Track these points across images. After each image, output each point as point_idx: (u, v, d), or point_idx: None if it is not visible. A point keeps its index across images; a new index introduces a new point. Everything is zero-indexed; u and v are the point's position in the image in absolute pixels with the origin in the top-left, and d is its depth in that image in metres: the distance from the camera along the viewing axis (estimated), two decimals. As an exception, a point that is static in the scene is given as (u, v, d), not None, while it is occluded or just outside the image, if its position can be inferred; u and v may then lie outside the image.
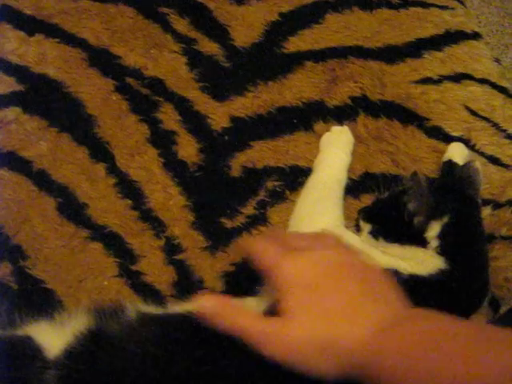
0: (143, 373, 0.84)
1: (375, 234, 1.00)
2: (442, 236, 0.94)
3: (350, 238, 0.98)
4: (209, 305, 0.76)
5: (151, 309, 0.93)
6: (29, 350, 0.87)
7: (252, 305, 0.92)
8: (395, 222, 0.98)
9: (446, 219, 0.95)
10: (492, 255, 1.08)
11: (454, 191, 1.02)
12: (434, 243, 0.94)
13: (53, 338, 0.90)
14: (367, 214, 1.05)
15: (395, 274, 0.89)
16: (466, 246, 0.96)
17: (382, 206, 1.06)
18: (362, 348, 0.67)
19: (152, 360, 0.84)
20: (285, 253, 0.74)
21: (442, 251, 0.93)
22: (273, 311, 0.85)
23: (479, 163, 1.08)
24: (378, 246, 0.98)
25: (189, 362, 0.84)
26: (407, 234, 0.96)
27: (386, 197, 1.07)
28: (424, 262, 0.92)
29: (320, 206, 1.06)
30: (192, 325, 0.88)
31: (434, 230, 0.94)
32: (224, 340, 0.85)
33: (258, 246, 0.78)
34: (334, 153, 1.15)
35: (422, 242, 0.94)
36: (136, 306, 0.93)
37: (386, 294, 0.74)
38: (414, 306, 0.79)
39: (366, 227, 1.02)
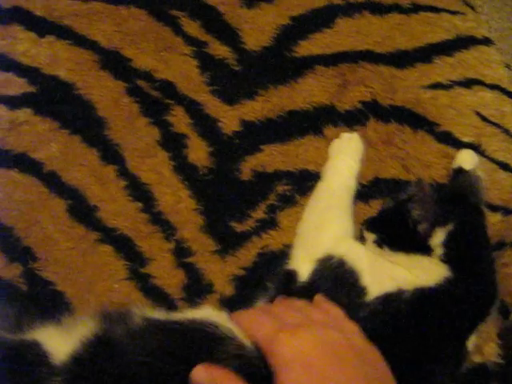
0: (149, 382, 0.84)
1: (380, 242, 0.99)
2: (446, 243, 0.93)
3: (357, 249, 0.98)
4: (200, 377, 0.72)
5: (158, 315, 0.93)
6: (35, 356, 0.87)
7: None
8: (400, 230, 0.97)
9: (450, 226, 0.94)
10: (502, 262, 1.08)
11: (458, 199, 1.02)
12: (439, 251, 0.93)
13: (60, 343, 0.90)
14: (371, 224, 1.05)
15: (399, 294, 0.88)
16: (470, 253, 0.96)
17: (387, 214, 1.05)
18: None
19: (158, 369, 0.84)
20: (281, 328, 0.70)
21: (447, 259, 0.93)
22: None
23: (481, 171, 1.07)
24: (383, 255, 0.97)
25: (183, 370, 0.84)
26: (412, 242, 0.95)
27: (391, 205, 1.06)
28: (429, 270, 0.92)
29: (328, 214, 1.06)
30: (199, 334, 0.88)
31: (438, 238, 0.94)
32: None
33: (252, 321, 0.75)
34: (343, 160, 1.15)
35: (427, 250, 0.94)
36: (143, 312, 0.93)
37: (385, 377, 0.71)
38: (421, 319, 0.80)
39: (371, 237, 1.01)
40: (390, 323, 0.87)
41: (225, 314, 0.92)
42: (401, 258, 0.95)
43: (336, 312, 0.80)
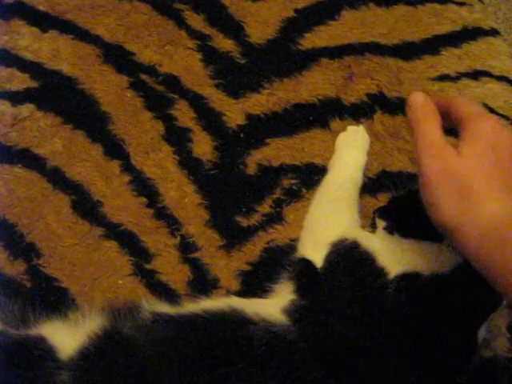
0: (158, 376, 0.83)
1: (390, 229, 0.97)
2: None
3: (367, 239, 0.96)
4: (419, 102, 0.78)
5: (167, 308, 0.93)
6: (41, 351, 0.86)
7: (269, 306, 0.92)
8: (411, 218, 0.96)
9: None
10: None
11: None
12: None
13: (66, 338, 0.89)
14: (383, 211, 1.04)
15: (415, 276, 0.88)
16: None
17: (399, 202, 1.04)
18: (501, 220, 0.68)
19: (168, 363, 0.84)
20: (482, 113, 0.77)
21: None
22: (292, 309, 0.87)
23: None
24: (393, 241, 0.96)
25: (205, 365, 0.84)
26: (424, 229, 0.94)
27: (402, 194, 1.05)
28: (441, 257, 0.91)
29: (334, 207, 1.05)
30: (208, 326, 0.88)
31: None
32: (240, 342, 0.85)
33: (460, 100, 0.80)
34: (350, 153, 1.14)
35: (439, 238, 0.92)
36: (151, 306, 0.93)
37: None
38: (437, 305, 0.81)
39: (381, 224, 1.00)
40: (415, 298, 0.87)
41: (247, 300, 0.97)
42: (412, 244, 0.94)
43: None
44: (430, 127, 0.75)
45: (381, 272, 0.89)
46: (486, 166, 0.70)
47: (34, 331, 0.92)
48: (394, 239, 0.96)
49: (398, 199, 1.05)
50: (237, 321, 0.87)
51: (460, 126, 0.76)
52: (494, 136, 0.72)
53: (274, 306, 0.91)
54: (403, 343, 0.85)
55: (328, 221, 1.02)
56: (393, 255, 0.92)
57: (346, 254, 0.93)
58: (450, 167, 0.71)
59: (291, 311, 0.89)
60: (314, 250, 0.97)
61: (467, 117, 0.75)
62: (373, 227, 1.02)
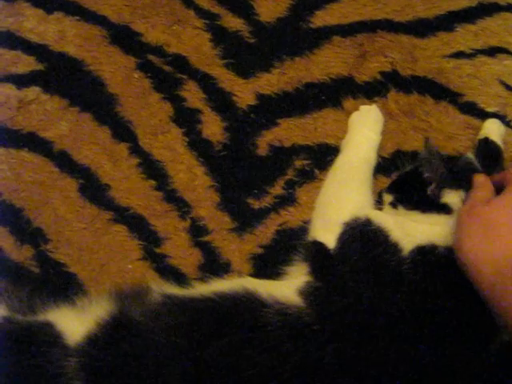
0: (168, 363, 0.82)
1: (394, 203, 0.99)
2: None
3: (379, 216, 0.95)
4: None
5: (177, 290, 0.91)
6: (48, 337, 0.86)
7: (284, 288, 0.90)
8: (415, 191, 0.97)
9: (462, 193, 0.93)
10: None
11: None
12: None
13: (74, 324, 0.89)
14: (390, 186, 1.05)
15: (432, 248, 0.88)
16: None
17: (405, 177, 1.05)
18: None
19: (178, 349, 0.83)
20: None
21: None
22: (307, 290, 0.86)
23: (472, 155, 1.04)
24: (401, 214, 0.97)
25: (216, 350, 0.82)
26: (427, 201, 0.95)
27: (408, 170, 1.05)
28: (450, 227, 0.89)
29: (347, 187, 1.04)
30: (219, 310, 0.86)
31: (452, 198, 0.93)
32: (253, 326, 0.83)
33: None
34: (362, 132, 1.12)
35: (445, 209, 0.93)
36: (161, 289, 0.91)
37: None
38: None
39: (388, 198, 1.02)
40: (434, 272, 0.87)
41: (261, 281, 0.97)
42: (418, 216, 0.95)
43: None
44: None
45: (395, 248, 0.88)
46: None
47: (41, 317, 0.92)
48: (399, 212, 0.97)
49: (404, 175, 1.06)
50: (250, 303, 0.86)
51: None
52: None
53: (288, 287, 0.90)
54: (420, 323, 0.83)
55: (340, 201, 1.01)
56: (406, 227, 0.91)
57: (359, 233, 0.92)
58: (479, 208, 0.83)
59: (306, 293, 0.88)
60: (326, 231, 0.96)
61: (509, 181, 0.86)
62: (379, 204, 1.03)
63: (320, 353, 0.81)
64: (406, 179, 1.03)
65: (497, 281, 0.74)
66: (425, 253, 0.87)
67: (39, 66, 1.21)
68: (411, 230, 0.91)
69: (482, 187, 0.89)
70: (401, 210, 0.98)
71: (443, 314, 0.84)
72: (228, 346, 0.82)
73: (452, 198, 0.93)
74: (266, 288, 0.88)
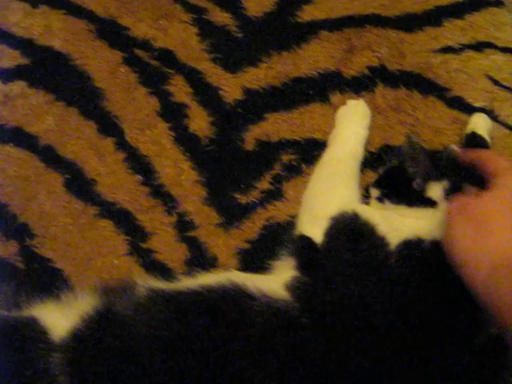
0: (154, 357, 0.81)
1: (381, 198, 0.99)
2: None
3: (367, 211, 0.95)
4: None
5: (163, 285, 0.91)
6: (33, 333, 0.85)
7: (271, 282, 0.90)
8: (401, 185, 0.97)
9: (445, 184, 0.93)
10: None
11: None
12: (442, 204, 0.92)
13: (59, 319, 0.88)
14: (377, 181, 1.05)
15: (418, 242, 0.87)
16: None
17: (391, 172, 1.04)
18: None
19: (164, 344, 0.82)
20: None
21: None
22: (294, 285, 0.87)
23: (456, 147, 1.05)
24: (387, 209, 0.97)
25: (203, 344, 0.82)
26: (415, 196, 0.95)
27: (395, 164, 1.05)
28: (435, 221, 0.89)
29: (334, 181, 1.03)
30: (206, 303, 0.86)
31: (437, 191, 0.93)
32: (241, 319, 0.83)
33: (489, 155, 0.88)
34: (350, 127, 1.11)
35: (431, 203, 0.93)
36: (147, 283, 0.91)
37: None
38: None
39: (375, 193, 1.02)
40: (420, 266, 0.86)
41: (249, 275, 0.96)
42: (404, 210, 0.95)
43: None
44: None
45: (382, 242, 0.88)
46: (505, 210, 0.76)
47: (26, 313, 0.91)
48: (391, 207, 0.97)
49: (390, 170, 1.05)
50: (237, 296, 0.86)
51: (489, 179, 0.83)
52: None
53: (276, 281, 0.90)
54: (406, 317, 0.83)
55: (327, 195, 1.00)
56: (393, 221, 0.91)
57: (347, 228, 0.92)
58: (469, 204, 0.79)
59: (294, 287, 0.87)
60: (313, 225, 0.95)
61: (496, 172, 0.82)
62: (366, 199, 1.03)
63: (308, 346, 0.81)
64: (392, 174, 1.03)
65: (491, 279, 0.72)
66: (411, 247, 0.87)
67: (25, 60, 1.21)
68: (398, 224, 0.90)
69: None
70: (387, 204, 0.98)
71: (429, 307, 0.84)
72: (215, 338, 0.82)
73: (437, 191, 0.93)
74: (254, 282, 0.88)
